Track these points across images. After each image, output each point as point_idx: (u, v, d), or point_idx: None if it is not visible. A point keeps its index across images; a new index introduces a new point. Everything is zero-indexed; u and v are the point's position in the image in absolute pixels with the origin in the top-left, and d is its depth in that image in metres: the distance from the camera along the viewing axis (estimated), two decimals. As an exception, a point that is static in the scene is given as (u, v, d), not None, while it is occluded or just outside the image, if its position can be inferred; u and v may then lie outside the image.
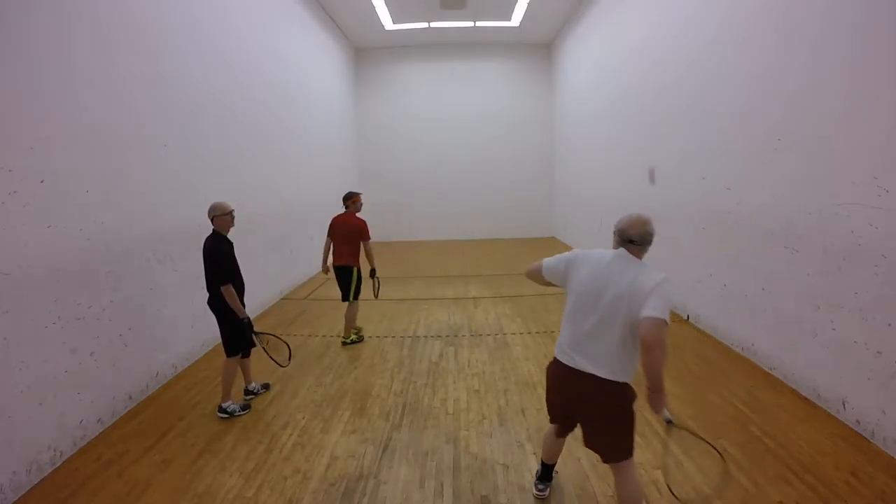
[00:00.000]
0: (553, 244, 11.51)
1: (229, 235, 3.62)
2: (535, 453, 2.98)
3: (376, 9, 9.83)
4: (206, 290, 3.58)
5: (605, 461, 2.17)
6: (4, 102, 2.72)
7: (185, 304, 4.54)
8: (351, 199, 5.01)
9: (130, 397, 3.71)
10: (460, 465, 2.90)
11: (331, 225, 5.07)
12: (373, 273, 5.04)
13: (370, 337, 5.24)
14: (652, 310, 1.85)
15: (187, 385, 4.11)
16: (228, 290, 3.45)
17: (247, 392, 3.87)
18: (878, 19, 2.91)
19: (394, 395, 3.85)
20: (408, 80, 12.77)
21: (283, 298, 7.08)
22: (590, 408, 2.11)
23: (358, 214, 5.03)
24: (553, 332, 5.04)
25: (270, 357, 3.64)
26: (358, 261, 4.97)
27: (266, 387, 4.01)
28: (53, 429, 2.97)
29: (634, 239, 2.06)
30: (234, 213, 3.63)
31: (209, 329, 4.95)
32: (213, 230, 3.55)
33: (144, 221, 3.97)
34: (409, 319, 5.87)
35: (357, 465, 2.93)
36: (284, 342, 3.71)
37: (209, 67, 5.15)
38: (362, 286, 5.07)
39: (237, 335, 3.58)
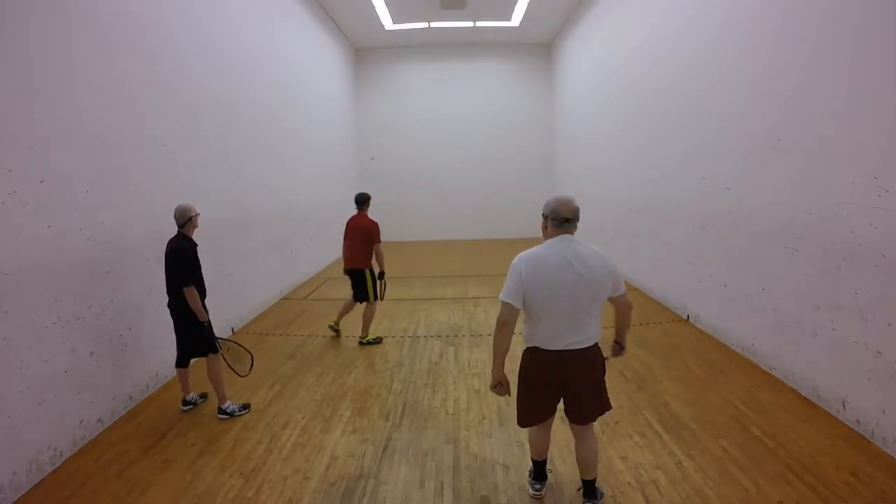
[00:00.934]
0: (553, 244, 11.47)
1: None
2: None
3: (376, 9, 9.83)
4: (167, 293, 3.51)
5: (592, 420, 2.38)
6: (4, 102, 2.72)
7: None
8: (368, 201, 5.05)
9: (130, 397, 3.71)
10: (460, 465, 2.90)
11: (346, 227, 5.05)
12: (381, 275, 5.02)
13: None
14: (622, 286, 2.31)
15: (187, 385, 4.10)
16: (192, 292, 3.35)
17: (184, 402, 3.68)
18: (878, 19, 2.91)
19: (394, 395, 3.85)
20: (408, 80, 12.77)
21: (283, 298, 7.09)
22: (584, 375, 2.28)
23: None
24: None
25: (229, 365, 3.54)
26: (370, 263, 4.93)
27: (203, 396, 3.82)
28: (53, 429, 2.97)
29: (570, 217, 2.21)
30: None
31: (209, 329, 4.97)
32: (180, 232, 3.50)
33: (144, 221, 3.97)
34: (409, 319, 5.87)
35: (357, 465, 2.93)
36: (246, 350, 3.70)
37: (209, 67, 5.15)
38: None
39: (205, 336, 3.48)
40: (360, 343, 5.00)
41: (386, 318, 5.91)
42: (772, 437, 3.04)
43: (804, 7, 3.55)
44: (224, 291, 5.32)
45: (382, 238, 4.95)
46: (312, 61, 9.15)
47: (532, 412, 2.42)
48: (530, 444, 2.61)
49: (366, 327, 5.02)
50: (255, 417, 3.54)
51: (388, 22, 10.63)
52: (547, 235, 2.29)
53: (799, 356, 3.67)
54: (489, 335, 5.20)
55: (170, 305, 3.52)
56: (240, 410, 3.58)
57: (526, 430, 3.21)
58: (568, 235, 2.22)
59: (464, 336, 5.23)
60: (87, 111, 3.35)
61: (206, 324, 3.46)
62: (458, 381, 4.10)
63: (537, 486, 2.57)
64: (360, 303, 5.02)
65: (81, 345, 3.23)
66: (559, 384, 2.30)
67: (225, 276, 5.37)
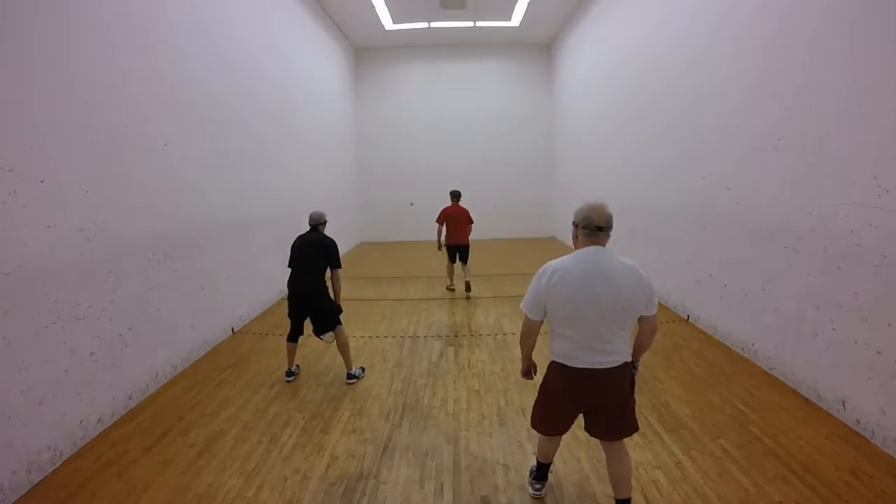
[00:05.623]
0: (553, 244, 11.52)
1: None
2: (535, 453, 2.98)
3: (376, 9, 9.83)
4: (304, 278, 4.02)
5: (617, 439, 2.26)
6: (4, 102, 2.72)
7: (185, 304, 4.55)
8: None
9: (130, 397, 3.71)
10: (460, 465, 2.90)
11: (446, 214, 7.09)
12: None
13: (370, 337, 5.24)
14: (654, 307, 2.14)
15: (187, 385, 4.11)
16: (339, 276, 4.10)
17: (288, 373, 4.21)
18: (879, 19, 2.91)
19: (394, 395, 3.85)
20: (408, 80, 12.77)
21: (283, 298, 7.07)
22: (609, 395, 2.15)
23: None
24: (553, 332, 5.04)
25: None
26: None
27: (298, 368, 4.38)
28: (53, 429, 2.97)
29: (603, 226, 2.06)
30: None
31: (209, 329, 4.98)
32: (317, 228, 4.17)
33: (144, 221, 3.97)
34: (409, 319, 5.87)
35: (357, 465, 2.93)
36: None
37: (209, 67, 5.15)
38: None
39: (336, 313, 4.11)
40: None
41: (386, 318, 5.92)
42: (772, 437, 3.05)
43: (804, 7, 3.55)
44: (224, 291, 5.33)
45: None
46: (312, 61, 9.14)
47: (547, 423, 2.36)
48: (538, 446, 2.56)
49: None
50: (255, 417, 3.54)
51: (388, 22, 10.64)
52: (578, 245, 2.14)
53: (799, 356, 3.67)
54: (489, 335, 5.21)
55: (305, 285, 4.01)
56: (361, 373, 4.21)
57: (526, 429, 3.21)
58: (600, 247, 2.06)
59: (464, 336, 5.23)
60: (87, 111, 3.35)
61: (339, 308, 4.14)
62: (458, 381, 4.10)
63: (538, 486, 2.57)
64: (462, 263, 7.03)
65: (81, 345, 3.23)
66: (579, 403, 2.20)
67: (225, 276, 5.38)
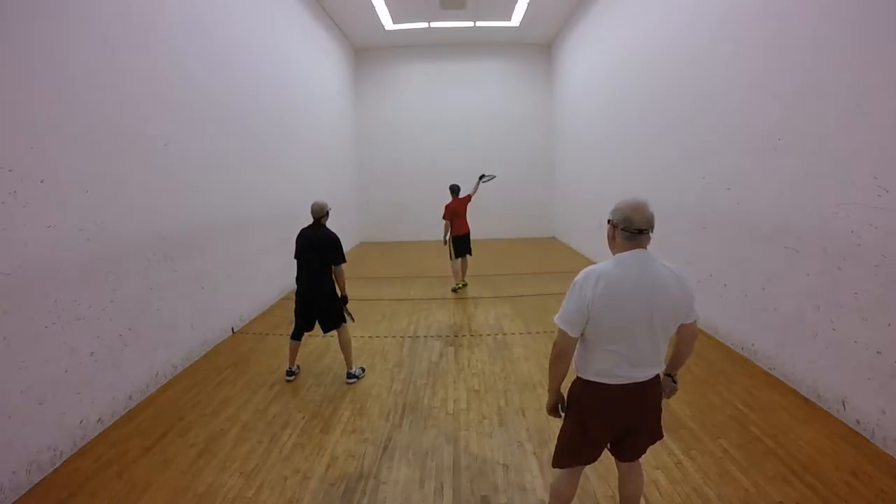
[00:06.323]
0: (553, 244, 11.51)
1: None
2: (534, 453, 2.99)
3: (376, 9, 9.83)
4: (309, 274, 4.05)
5: (643, 452, 2.09)
6: (4, 102, 2.72)
7: (185, 304, 4.55)
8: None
9: (130, 397, 3.71)
10: (460, 465, 2.90)
11: (451, 208, 7.28)
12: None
13: (370, 337, 5.24)
14: (695, 314, 1.97)
15: (187, 385, 4.11)
16: (342, 270, 4.03)
17: (289, 373, 4.19)
18: (879, 19, 2.91)
19: (394, 395, 3.86)
20: (408, 80, 12.77)
21: (283, 298, 7.08)
22: (644, 411, 1.99)
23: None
24: (553, 331, 5.03)
25: (350, 317, 4.24)
26: None
27: (299, 368, 4.36)
28: (53, 429, 2.97)
29: (644, 228, 1.84)
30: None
31: (209, 329, 4.98)
32: (320, 222, 4.09)
33: (144, 221, 3.97)
34: (409, 319, 5.87)
35: (357, 465, 2.93)
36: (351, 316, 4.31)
37: (209, 67, 5.15)
38: None
39: (341, 309, 4.12)
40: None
41: (386, 318, 5.92)
42: (772, 437, 3.05)
43: (804, 7, 3.55)
44: (224, 291, 5.33)
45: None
46: (312, 61, 9.14)
47: (577, 455, 2.06)
48: (554, 493, 2.18)
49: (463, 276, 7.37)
50: (255, 417, 3.54)
51: (388, 22, 10.64)
52: (615, 247, 1.91)
53: (799, 356, 3.67)
54: (489, 335, 5.20)
55: (308, 284, 4.06)
56: (361, 373, 4.20)
57: (526, 429, 3.20)
58: (643, 251, 1.85)
59: (464, 336, 5.23)
60: (87, 111, 3.35)
61: (345, 298, 4.11)
62: (458, 381, 4.10)
63: None
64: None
65: (81, 345, 3.23)
66: (618, 424, 1.97)
67: (225, 276, 5.38)
